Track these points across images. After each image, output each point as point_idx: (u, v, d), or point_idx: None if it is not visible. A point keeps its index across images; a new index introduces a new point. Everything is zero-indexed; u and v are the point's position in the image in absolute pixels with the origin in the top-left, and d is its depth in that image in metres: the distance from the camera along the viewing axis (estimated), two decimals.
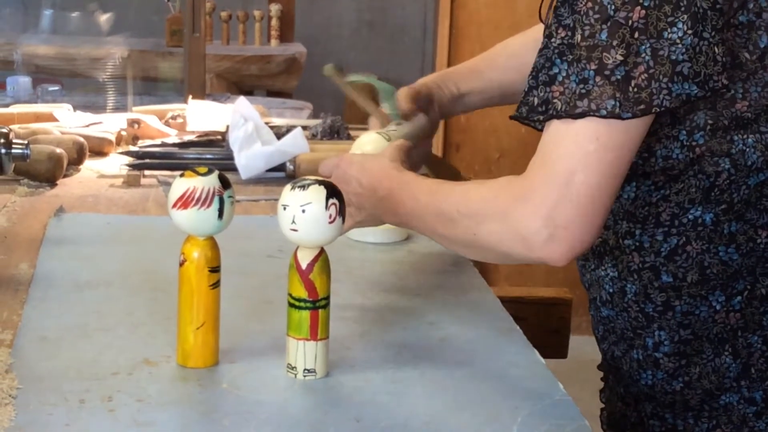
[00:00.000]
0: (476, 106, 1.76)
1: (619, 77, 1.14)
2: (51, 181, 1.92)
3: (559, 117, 1.17)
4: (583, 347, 2.39)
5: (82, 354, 1.23)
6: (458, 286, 1.53)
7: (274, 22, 4.85)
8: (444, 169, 1.88)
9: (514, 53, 1.70)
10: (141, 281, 1.46)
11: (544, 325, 2.35)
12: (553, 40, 1.20)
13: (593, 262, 1.36)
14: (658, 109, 1.15)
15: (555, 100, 1.18)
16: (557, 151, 1.17)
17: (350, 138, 2.20)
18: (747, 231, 1.27)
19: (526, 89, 1.22)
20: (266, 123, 2.13)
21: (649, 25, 1.14)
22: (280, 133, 2.08)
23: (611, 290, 1.35)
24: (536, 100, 1.20)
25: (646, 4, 1.14)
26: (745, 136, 1.23)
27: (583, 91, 1.15)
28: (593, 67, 1.15)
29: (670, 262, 1.28)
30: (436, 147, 3.27)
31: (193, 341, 1.20)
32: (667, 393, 1.34)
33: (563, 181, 1.16)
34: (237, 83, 4.68)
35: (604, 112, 1.14)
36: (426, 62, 5.52)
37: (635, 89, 1.14)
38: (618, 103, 1.14)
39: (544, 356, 1.30)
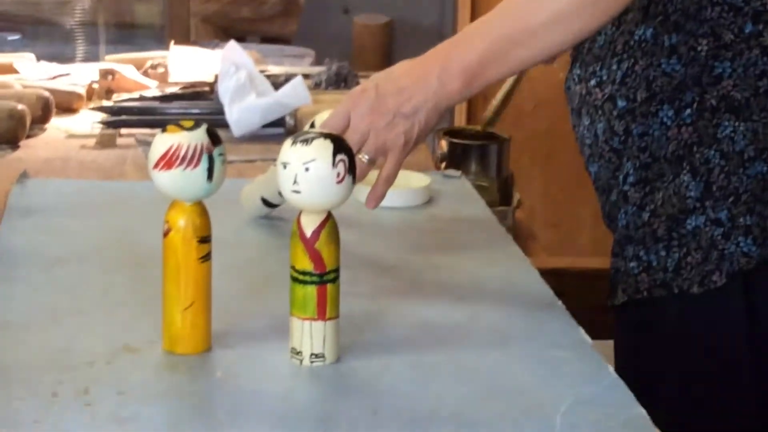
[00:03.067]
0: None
1: None
2: (12, 142, 1.92)
3: None
4: None
5: (53, 341, 1.23)
6: (490, 256, 1.53)
7: None
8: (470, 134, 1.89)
9: None
10: (119, 256, 1.46)
11: (589, 301, 2.34)
12: None
13: (576, 118, 1.58)
14: None
15: None
16: None
17: None
18: (687, 41, 1.45)
19: None
20: (261, 71, 2.12)
21: None
22: (277, 82, 2.07)
23: (590, 141, 1.56)
24: None
25: None
26: None
27: None
28: None
29: (623, 86, 1.49)
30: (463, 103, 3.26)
31: (181, 324, 1.19)
32: (638, 227, 1.51)
33: None
34: (226, 29, 4.67)
35: None
36: (446, 3, 5.50)
37: None
38: None
39: (590, 336, 1.30)
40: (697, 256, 1.47)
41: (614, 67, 1.50)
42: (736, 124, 1.46)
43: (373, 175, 1.41)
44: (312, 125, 1.48)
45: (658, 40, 1.47)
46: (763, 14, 1.46)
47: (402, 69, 1.44)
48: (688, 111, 1.47)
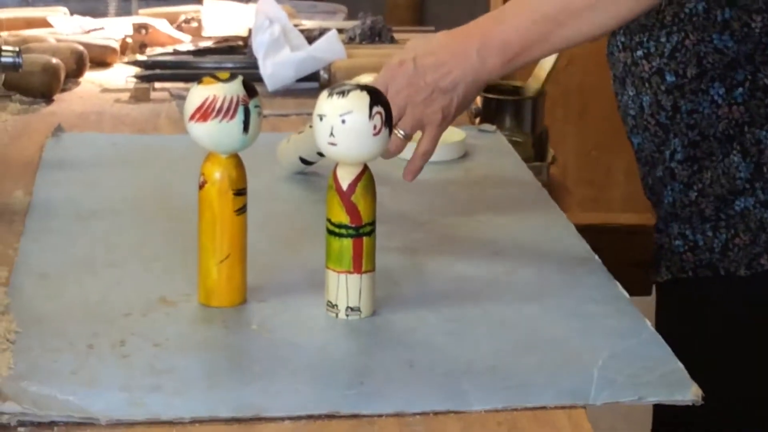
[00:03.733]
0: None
1: None
2: (47, 96, 1.92)
3: None
4: None
5: (89, 293, 1.23)
6: (525, 210, 1.53)
7: None
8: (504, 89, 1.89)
9: None
10: (154, 208, 1.47)
11: (625, 257, 2.34)
12: None
13: (620, 87, 1.54)
14: None
15: None
16: None
17: (393, 41, 2.19)
18: (741, 17, 1.40)
19: None
20: (295, 25, 2.11)
21: None
22: (311, 36, 2.07)
23: (634, 113, 1.52)
24: None
25: None
26: None
27: None
28: None
29: (672, 60, 1.44)
30: None
31: (217, 276, 1.20)
32: (685, 206, 1.48)
33: None
34: None
35: None
36: None
37: None
38: None
39: (629, 292, 1.29)
40: (745, 238, 1.45)
41: (663, 39, 1.45)
42: None
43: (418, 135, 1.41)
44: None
45: (710, 14, 1.41)
46: None
47: (441, 42, 1.41)
48: (740, 90, 1.43)
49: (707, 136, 1.45)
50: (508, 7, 1.40)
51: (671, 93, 1.46)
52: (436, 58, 1.38)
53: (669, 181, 1.50)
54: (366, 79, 1.48)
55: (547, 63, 1.89)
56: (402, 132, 1.38)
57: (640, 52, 1.48)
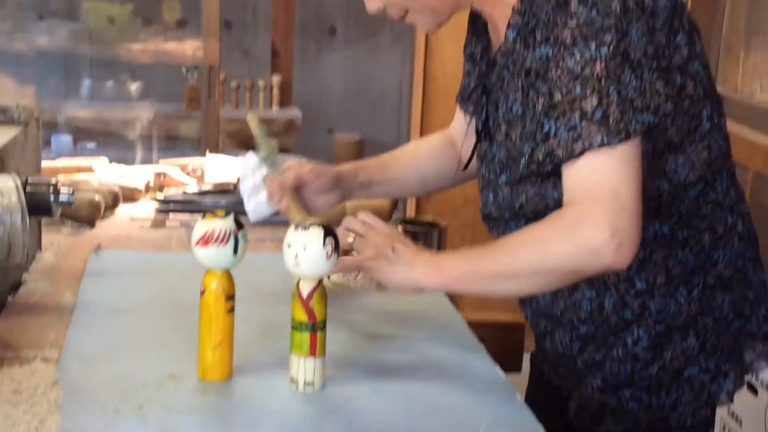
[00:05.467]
0: (379, 195, 1.67)
1: (599, 117, 1.15)
2: (90, 223, 1.91)
3: (565, 161, 1.17)
4: None
5: (117, 369, 1.22)
6: (431, 312, 1.51)
7: (275, 90, 4.86)
8: (418, 223, 1.89)
9: (417, 153, 1.65)
10: (167, 308, 1.45)
11: (503, 345, 2.35)
12: (534, 107, 1.22)
13: (566, 291, 1.34)
14: (636, 134, 1.16)
15: (556, 150, 1.18)
16: (592, 180, 1.16)
17: None
18: (695, 235, 1.30)
19: (528, 152, 1.23)
20: None
21: (610, 73, 1.15)
22: None
23: (589, 309, 1.34)
24: (541, 156, 1.21)
25: (602, 59, 1.15)
26: (676, 157, 1.26)
27: (576, 136, 1.16)
28: (576, 114, 1.16)
29: (641, 271, 1.30)
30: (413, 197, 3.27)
31: (212, 358, 1.19)
32: (644, 378, 1.34)
33: (612, 196, 1.14)
34: (244, 141, 4.67)
35: (596, 145, 1.15)
36: (401, 124, 5.54)
37: (614, 122, 1.15)
38: (604, 136, 1.15)
39: (504, 371, 1.30)
40: (691, 396, 1.35)
41: None
42: (725, 296, 1.34)
43: None
44: None
45: (674, 235, 1.29)
46: (735, 206, 1.34)
47: (411, 252, 1.28)
48: (696, 290, 1.32)
49: (671, 328, 1.32)
50: (462, 253, 1.26)
51: (640, 296, 1.31)
52: (404, 257, 1.27)
53: (631, 361, 1.34)
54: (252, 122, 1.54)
55: None
56: (354, 251, 1.31)
57: None
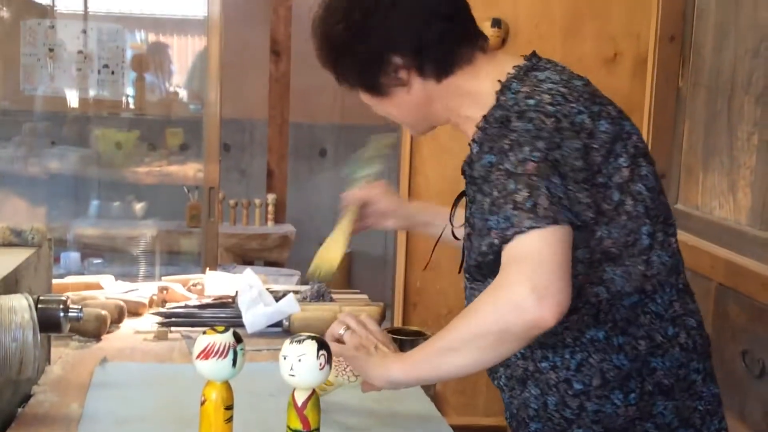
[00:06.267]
0: (431, 235, 1.71)
1: (529, 206, 1.19)
2: (97, 336, 1.90)
3: (501, 246, 1.21)
4: None
5: None
6: (420, 418, 1.51)
7: (270, 207, 4.91)
8: (405, 332, 1.89)
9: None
10: (169, 417, 1.44)
11: None
12: (482, 207, 1.28)
13: (518, 389, 1.37)
14: (563, 222, 1.19)
15: (494, 239, 1.22)
16: (517, 251, 1.19)
17: (333, 300, 2.21)
18: (631, 342, 1.30)
19: (477, 246, 1.27)
20: (267, 288, 2.13)
21: (540, 172, 1.21)
22: (277, 296, 2.08)
23: (536, 406, 1.35)
24: (484, 247, 1.25)
25: (534, 160, 1.21)
26: (614, 268, 1.29)
27: (509, 224, 1.20)
28: (510, 206, 1.20)
29: (578, 373, 1.31)
30: (399, 304, 3.27)
31: None
32: None
33: (534, 257, 1.17)
34: (242, 255, 4.70)
35: (525, 228, 1.18)
36: (388, 237, 5.58)
37: (542, 210, 1.19)
38: (533, 221, 1.18)
39: None
40: None
41: (567, 356, 1.31)
42: (666, 402, 1.32)
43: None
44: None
45: (609, 340, 1.30)
46: (678, 318, 1.34)
47: (389, 351, 1.35)
48: (633, 395, 1.31)
49: (609, 428, 1.32)
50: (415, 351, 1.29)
51: (578, 396, 1.32)
52: (376, 354, 1.33)
53: None
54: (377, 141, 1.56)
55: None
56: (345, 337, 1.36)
57: (545, 364, 1.33)
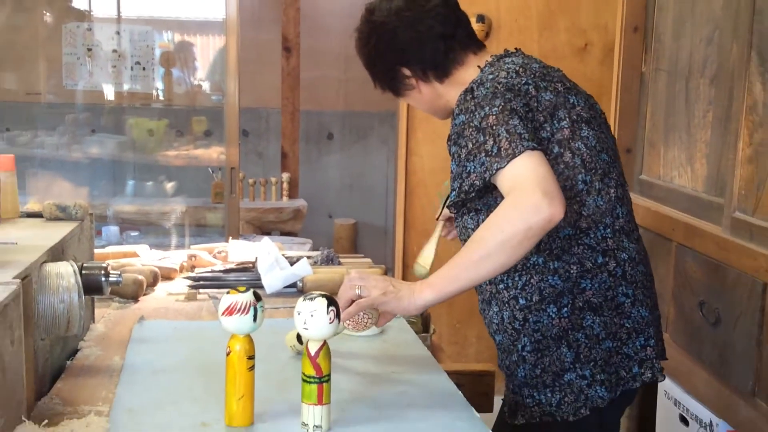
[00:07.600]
0: None
1: (495, 150, 1.33)
2: (135, 298, 1.91)
3: (481, 185, 1.34)
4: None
5: (159, 419, 1.21)
6: (418, 364, 1.51)
7: (284, 185, 4.90)
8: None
9: None
10: (199, 367, 1.44)
11: (476, 389, 2.33)
12: (459, 157, 1.39)
13: (487, 309, 1.50)
14: (528, 149, 1.30)
15: (475, 181, 1.35)
16: (515, 177, 1.29)
17: (340, 264, 2.21)
18: (564, 266, 1.41)
19: (457, 188, 1.39)
20: (283, 254, 2.13)
21: (500, 121, 1.34)
22: (292, 261, 2.08)
23: (497, 321, 1.48)
24: (466, 187, 1.37)
25: (494, 113, 1.35)
26: None
27: (484, 167, 1.33)
28: (482, 154, 1.34)
29: (523, 291, 1.43)
30: (398, 267, 3.27)
31: (236, 408, 1.18)
32: (533, 378, 1.45)
33: (534, 175, 1.28)
34: (260, 227, 4.70)
35: (495, 168, 1.31)
36: (389, 210, 5.58)
37: (504, 151, 1.31)
38: (498, 163, 1.31)
39: (477, 411, 1.29)
40: (571, 398, 1.43)
41: (516, 278, 1.43)
42: (594, 317, 1.41)
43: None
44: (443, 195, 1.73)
45: (547, 264, 1.41)
46: (610, 251, 1.42)
47: (406, 284, 1.36)
48: (565, 309, 1.41)
49: (546, 336, 1.42)
50: (443, 266, 1.33)
51: (523, 310, 1.43)
52: (399, 290, 1.34)
53: (521, 363, 1.46)
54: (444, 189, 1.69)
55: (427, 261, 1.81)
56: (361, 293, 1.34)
57: (501, 286, 1.45)
